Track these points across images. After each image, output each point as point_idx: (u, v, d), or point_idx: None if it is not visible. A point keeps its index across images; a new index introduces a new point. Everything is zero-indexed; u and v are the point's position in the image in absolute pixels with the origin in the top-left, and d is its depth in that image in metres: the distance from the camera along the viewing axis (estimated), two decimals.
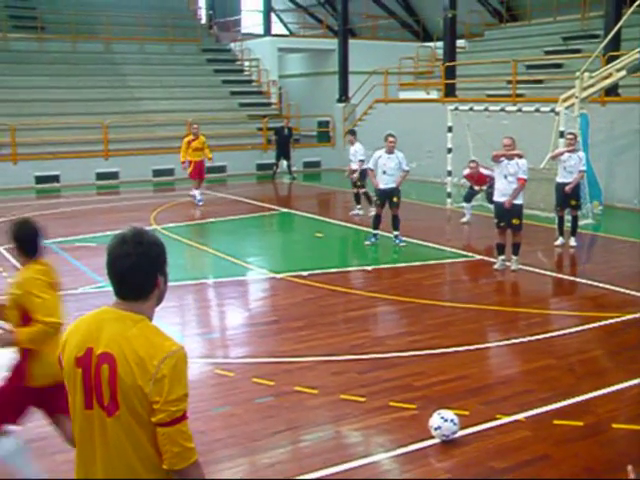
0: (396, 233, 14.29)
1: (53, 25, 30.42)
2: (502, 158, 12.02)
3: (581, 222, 15.05)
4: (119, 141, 25.21)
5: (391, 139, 14.10)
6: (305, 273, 11.97)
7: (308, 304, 10.50)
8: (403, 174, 14.16)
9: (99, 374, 3.04)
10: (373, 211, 17.16)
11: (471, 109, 18.20)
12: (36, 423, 6.57)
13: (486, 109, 17.91)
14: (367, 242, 14.26)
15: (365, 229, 15.15)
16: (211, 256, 13.66)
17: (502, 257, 12.36)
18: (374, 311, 10.46)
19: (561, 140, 15.63)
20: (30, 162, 23.48)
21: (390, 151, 14.07)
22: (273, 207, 19.38)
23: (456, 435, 6.13)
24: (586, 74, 17.39)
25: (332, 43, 31.71)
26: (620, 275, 12.02)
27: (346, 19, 30.02)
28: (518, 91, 22.93)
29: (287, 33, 44.47)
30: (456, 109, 18.66)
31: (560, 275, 12.34)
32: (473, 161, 16.14)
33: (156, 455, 3.05)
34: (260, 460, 5.98)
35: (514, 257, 12.29)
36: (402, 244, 14.21)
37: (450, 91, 24.92)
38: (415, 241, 14.52)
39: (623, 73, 17.13)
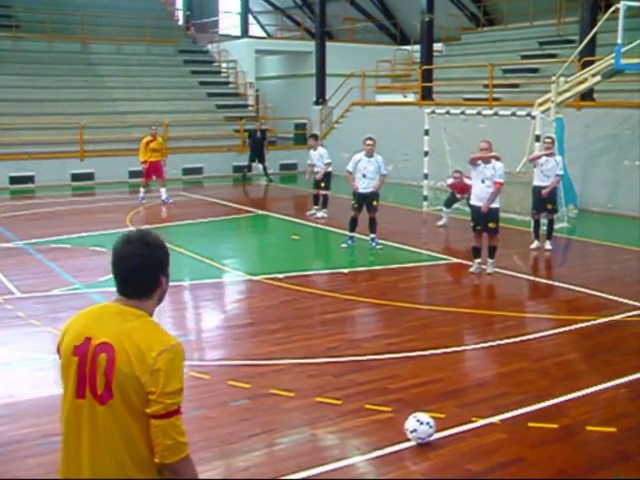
0: (372, 236, 14.30)
1: (28, 24, 30.14)
2: (479, 161, 12.06)
3: (556, 226, 15.15)
4: (95, 142, 25.04)
5: (369, 142, 14.11)
6: (281, 275, 11.95)
7: (284, 306, 10.48)
8: (381, 178, 14.17)
9: (95, 363, 3.06)
10: (321, 213, 17.34)
11: (448, 112, 18.27)
12: (8, 427, 6.52)
13: (463, 113, 18.02)
14: (343, 245, 14.25)
15: (341, 232, 15.14)
16: (187, 258, 13.59)
17: (478, 260, 12.41)
18: (350, 314, 10.46)
19: (537, 144, 15.73)
20: (4, 162, 23.25)
21: (369, 154, 14.07)
22: (249, 209, 19.34)
23: (432, 438, 6.14)
24: (562, 79, 17.51)
25: (309, 45, 31.75)
26: (594, 278, 12.12)
27: (324, 21, 30.05)
28: (494, 95, 23.05)
29: (264, 35, 44.46)
30: (433, 112, 18.72)
31: (535, 278, 12.41)
32: (457, 171, 16.12)
33: (146, 450, 3.03)
34: (235, 463, 5.96)
35: (490, 260, 12.35)
36: (378, 247, 14.22)
37: (427, 94, 25.01)
38: (391, 244, 14.55)
39: (598, 78, 17.27)
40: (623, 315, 10.00)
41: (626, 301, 10.59)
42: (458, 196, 16.41)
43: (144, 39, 31.89)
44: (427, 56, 25.35)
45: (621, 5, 15.48)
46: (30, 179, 23.60)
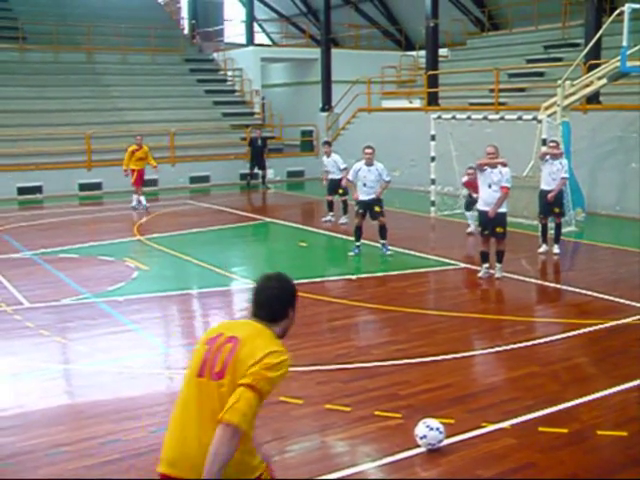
0: (383, 242, 14.28)
1: (35, 35, 30.30)
2: (486, 167, 12.06)
3: (564, 229, 15.12)
4: (102, 152, 25.11)
5: (368, 150, 14.09)
6: None
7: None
8: (384, 185, 14.16)
9: (221, 349, 3.73)
10: (344, 219, 17.30)
11: (454, 117, 18.27)
12: (18, 437, 6.54)
13: (469, 117, 18.00)
14: (351, 253, 14.21)
15: (348, 238, 15.13)
16: (195, 267, 13.61)
17: (486, 265, 12.39)
18: (358, 320, 10.46)
19: (543, 148, 15.71)
20: (13, 173, 23.35)
21: (369, 163, 14.04)
22: (257, 217, 19.35)
23: (442, 444, 6.13)
24: (567, 82, 17.50)
25: (315, 53, 31.79)
26: (603, 282, 12.08)
27: (329, 29, 30.11)
28: (500, 99, 23.05)
29: (270, 43, 44.54)
30: (439, 118, 18.72)
31: (544, 282, 12.38)
32: (471, 167, 16.02)
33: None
34: None
35: (498, 265, 12.32)
36: (389, 253, 14.21)
37: (433, 100, 25.03)
38: (399, 250, 14.53)
39: (604, 81, 17.24)
40: (632, 318, 9.96)
41: (635, 304, 10.55)
42: (475, 196, 16.28)
43: (149, 48, 32.00)
44: (432, 61, 25.35)
45: (626, 8, 15.46)
46: (38, 189, 23.68)
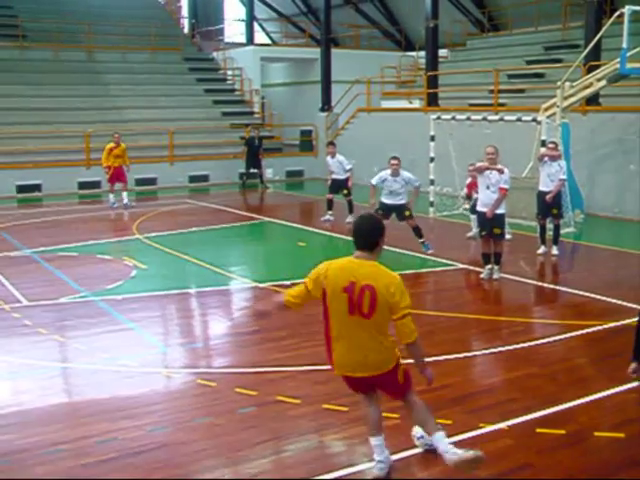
0: (422, 241, 14.35)
1: (35, 33, 30.29)
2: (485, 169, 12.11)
3: (563, 230, 15.12)
4: (101, 150, 25.01)
5: (394, 162, 14.12)
6: (288, 282, 11.92)
7: (291, 313, 10.39)
8: (415, 191, 14.32)
9: (362, 296, 5.27)
10: (350, 218, 17.29)
11: (453, 118, 18.26)
12: (15, 435, 6.52)
13: (468, 118, 18.00)
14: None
15: (348, 238, 15.07)
16: (194, 266, 13.61)
17: (489, 266, 12.40)
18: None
19: (542, 149, 15.71)
20: (12, 171, 23.33)
21: (395, 174, 14.08)
22: (255, 216, 19.35)
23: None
24: (567, 84, 17.51)
25: (315, 52, 31.77)
26: (602, 283, 12.08)
27: (329, 28, 30.08)
28: (500, 100, 23.05)
29: (270, 42, 44.54)
30: (438, 118, 18.72)
31: (542, 283, 12.39)
32: (472, 164, 15.97)
33: (386, 340, 5.45)
34: (243, 470, 5.94)
35: (495, 266, 12.34)
36: (430, 251, 14.27)
37: (432, 100, 25.02)
38: (398, 250, 14.51)
39: (603, 83, 17.26)
40: (631, 320, 9.92)
41: (634, 305, 10.53)
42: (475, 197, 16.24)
43: (149, 47, 32.01)
44: (432, 62, 25.34)
45: (626, 10, 15.47)
46: (37, 187, 23.68)
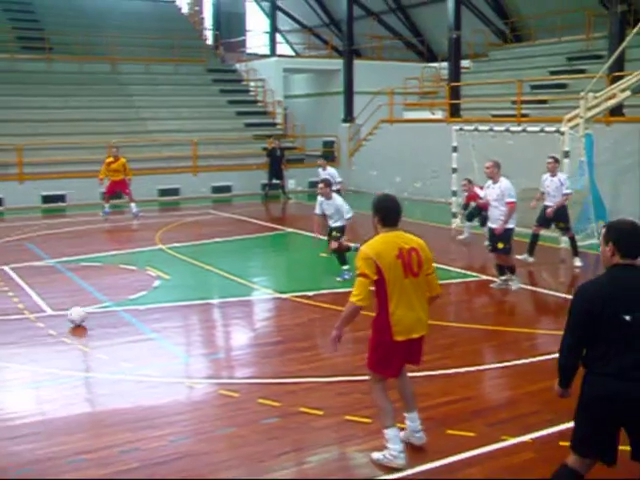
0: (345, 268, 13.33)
1: (60, 46, 30.62)
2: (488, 183, 12.29)
3: (586, 242, 15.06)
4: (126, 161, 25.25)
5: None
6: (310, 293, 11.97)
7: (313, 324, 10.50)
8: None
9: (410, 258, 5.93)
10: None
11: (476, 129, 18.24)
12: (40, 444, 6.58)
13: (491, 129, 17.97)
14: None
15: None
16: (216, 276, 13.66)
17: (503, 277, 12.37)
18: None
19: (566, 160, 15.67)
20: (37, 182, 23.56)
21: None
22: (278, 227, 19.40)
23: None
24: (590, 94, 17.42)
25: (337, 63, 31.83)
26: None
27: (351, 39, 30.15)
28: (523, 111, 22.97)
29: (292, 54, 44.69)
30: (461, 129, 18.71)
31: (564, 295, 12.31)
32: (465, 179, 16.50)
33: (425, 300, 6.17)
34: None
35: (512, 276, 12.28)
36: (340, 279, 13.07)
37: (455, 111, 25.00)
38: None
39: (627, 93, 17.16)
40: None
41: None
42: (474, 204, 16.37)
43: (173, 59, 32.25)
44: (455, 73, 25.34)
45: None
46: (61, 198, 23.89)
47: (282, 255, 17.20)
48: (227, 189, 26.64)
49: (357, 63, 30.53)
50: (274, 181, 25.79)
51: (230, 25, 39.67)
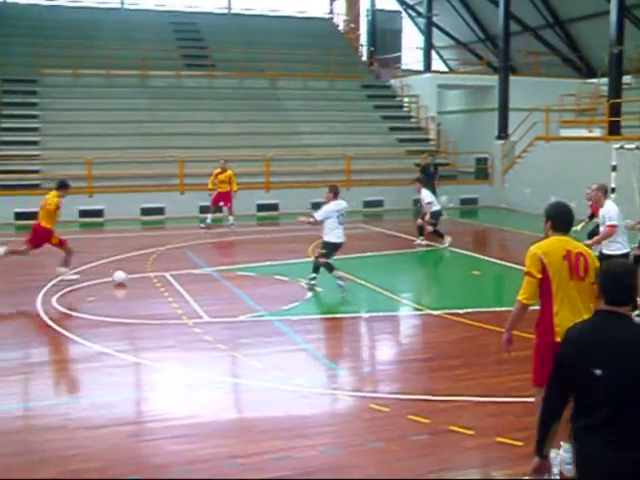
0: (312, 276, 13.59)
1: (222, 63, 31.85)
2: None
3: None
4: (280, 174, 25.88)
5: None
6: (461, 311, 11.84)
7: (464, 342, 10.39)
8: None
9: (578, 261, 6.02)
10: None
11: (637, 148, 17.57)
12: (195, 445, 6.82)
13: None
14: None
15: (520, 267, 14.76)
16: (367, 290, 13.75)
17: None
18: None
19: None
20: (195, 193, 24.41)
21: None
22: (429, 243, 19.30)
23: None
24: None
25: (492, 80, 31.42)
26: None
27: (507, 55, 29.69)
28: None
29: (447, 70, 44.48)
30: (621, 147, 18.06)
31: None
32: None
33: (589, 305, 5.92)
34: None
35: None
36: (306, 282, 13.56)
37: (614, 129, 24.13)
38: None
39: None
40: None
41: None
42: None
43: (329, 75, 32.82)
44: (615, 89, 24.47)
45: None
46: (219, 209, 24.62)
47: (432, 272, 17.12)
48: (379, 204, 26.76)
49: (512, 79, 30.00)
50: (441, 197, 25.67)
51: (385, 41, 39.95)
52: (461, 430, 7.14)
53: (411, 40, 43.35)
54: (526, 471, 6.23)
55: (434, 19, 36.86)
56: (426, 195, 18.89)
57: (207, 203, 24.41)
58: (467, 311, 11.83)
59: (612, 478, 4.04)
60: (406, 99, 33.58)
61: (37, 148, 25.62)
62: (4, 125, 26.17)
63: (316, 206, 25.25)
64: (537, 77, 34.17)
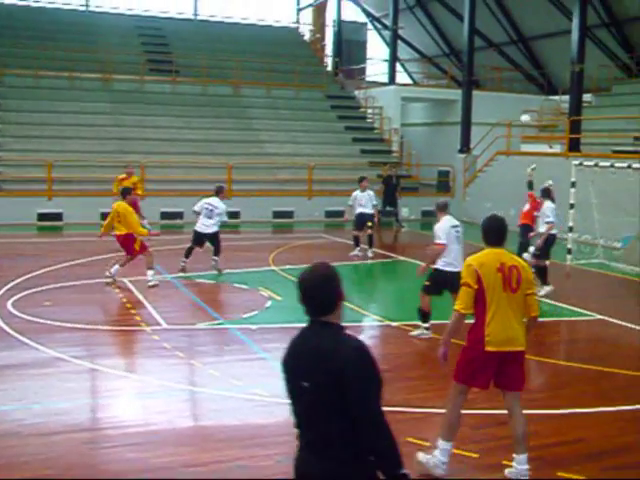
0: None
1: (186, 69, 31.74)
2: None
3: None
4: (242, 182, 25.82)
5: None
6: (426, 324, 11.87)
7: (422, 354, 10.43)
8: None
9: (511, 273, 6.25)
10: (370, 252, 18.21)
11: (596, 165, 17.83)
12: (148, 454, 6.76)
13: (612, 165, 17.52)
14: None
15: None
16: None
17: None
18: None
19: None
20: (156, 198, 24.23)
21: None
22: (389, 254, 19.37)
23: None
24: None
25: (456, 94, 31.74)
26: None
27: (471, 70, 30.00)
28: None
29: (411, 82, 44.78)
30: (581, 164, 18.31)
31: None
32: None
33: (521, 316, 6.38)
34: None
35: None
36: None
37: (574, 146, 24.47)
38: None
39: None
40: None
41: None
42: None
43: (293, 84, 32.88)
44: (576, 107, 24.83)
45: None
46: (179, 215, 24.52)
47: (393, 283, 17.16)
48: (340, 214, 26.76)
49: (476, 94, 30.31)
50: (387, 208, 25.78)
51: (351, 53, 40.18)
52: (417, 442, 7.16)
53: (376, 52, 43.58)
54: None
55: (400, 32, 37.13)
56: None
57: (167, 209, 24.40)
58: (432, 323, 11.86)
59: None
60: (370, 110, 33.76)
61: None
62: None
63: (280, 215, 25.29)
64: (500, 92, 34.54)
